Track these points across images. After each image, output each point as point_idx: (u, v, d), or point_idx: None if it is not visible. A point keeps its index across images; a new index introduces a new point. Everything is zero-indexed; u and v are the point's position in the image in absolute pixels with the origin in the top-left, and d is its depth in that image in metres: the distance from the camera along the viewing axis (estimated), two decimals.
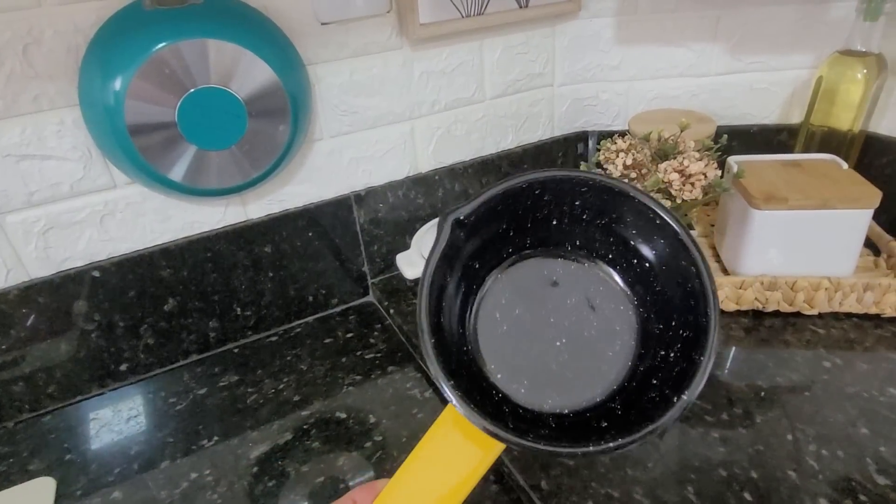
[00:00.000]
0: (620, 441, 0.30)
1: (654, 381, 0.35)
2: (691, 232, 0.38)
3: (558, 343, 0.39)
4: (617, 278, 0.41)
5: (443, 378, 0.32)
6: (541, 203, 0.41)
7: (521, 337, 0.40)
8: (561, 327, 0.40)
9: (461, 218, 0.38)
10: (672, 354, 0.34)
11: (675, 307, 0.36)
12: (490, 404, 0.35)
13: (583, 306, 0.41)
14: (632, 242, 0.40)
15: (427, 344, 0.33)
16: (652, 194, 0.38)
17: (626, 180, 0.64)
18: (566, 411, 0.35)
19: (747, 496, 0.45)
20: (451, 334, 0.38)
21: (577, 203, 0.41)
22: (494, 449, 0.33)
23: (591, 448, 0.30)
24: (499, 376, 0.38)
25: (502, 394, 0.36)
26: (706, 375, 0.31)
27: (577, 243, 0.42)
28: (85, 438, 0.61)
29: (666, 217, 0.37)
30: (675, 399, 0.31)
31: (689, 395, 0.31)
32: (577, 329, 0.40)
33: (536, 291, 0.42)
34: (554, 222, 0.42)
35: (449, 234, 0.38)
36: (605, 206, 0.40)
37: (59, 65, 0.54)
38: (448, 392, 0.32)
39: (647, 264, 0.39)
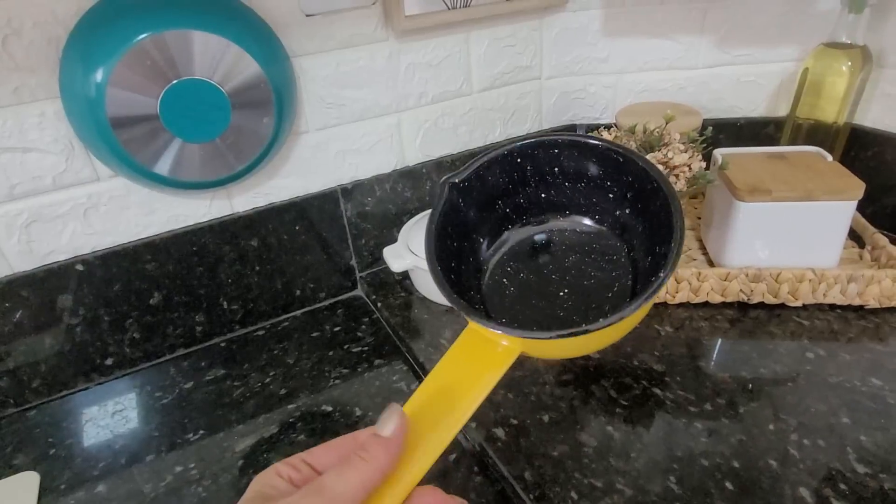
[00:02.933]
0: (618, 313, 0.33)
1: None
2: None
3: (562, 293, 0.44)
4: (606, 231, 0.47)
5: (451, 294, 0.38)
6: (524, 174, 0.47)
7: (528, 296, 0.45)
8: (563, 281, 0.45)
9: (457, 181, 0.44)
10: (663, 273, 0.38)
11: (655, 240, 0.41)
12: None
13: (580, 260, 0.46)
14: (610, 195, 0.45)
15: (435, 267, 0.39)
16: (619, 143, 0.42)
17: None
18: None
19: (729, 485, 0.46)
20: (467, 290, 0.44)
21: (555, 169, 0.47)
22: (505, 357, 0.36)
23: (592, 324, 0.33)
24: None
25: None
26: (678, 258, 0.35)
27: (566, 204, 0.48)
28: (70, 433, 0.60)
29: (630, 156, 0.42)
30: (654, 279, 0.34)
31: (665, 274, 0.34)
32: (578, 280, 0.45)
33: (538, 255, 0.47)
34: (542, 193, 0.48)
35: (447, 195, 0.43)
36: (579, 165, 0.46)
37: (39, 56, 0.54)
38: (462, 308, 0.36)
39: (628, 210, 0.44)
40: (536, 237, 0.48)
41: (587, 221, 0.48)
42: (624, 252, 0.45)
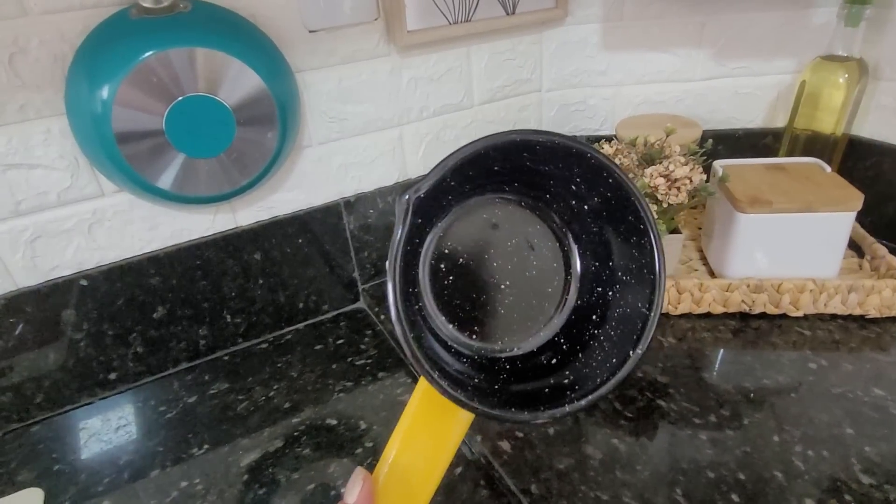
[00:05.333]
0: (571, 406, 0.32)
1: (595, 317, 0.38)
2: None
3: (503, 286, 0.40)
4: (554, 217, 0.42)
5: (413, 347, 0.32)
6: (493, 170, 0.40)
7: (467, 285, 0.40)
8: (504, 270, 0.41)
9: (421, 195, 0.37)
10: (611, 294, 0.37)
11: (612, 250, 0.38)
12: (448, 361, 0.37)
13: (523, 247, 0.41)
14: (573, 186, 0.40)
15: (407, 337, 0.33)
16: (594, 146, 0.39)
17: None
18: (516, 350, 0.38)
19: (735, 497, 0.46)
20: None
21: (526, 164, 0.40)
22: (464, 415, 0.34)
23: (544, 413, 0.32)
24: (451, 327, 0.39)
25: (455, 346, 0.38)
26: (653, 329, 0.33)
27: (515, 186, 0.42)
28: (74, 448, 0.60)
29: (601, 158, 0.37)
30: (630, 353, 0.33)
31: (641, 349, 0.33)
32: (520, 270, 0.41)
33: (478, 237, 0.42)
34: (504, 186, 0.42)
35: (412, 215, 0.37)
36: (546, 161, 0.40)
37: (45, 74, 0.54)
38: (422, 365, 0.32)
39: (586, 206, 0.40)
40: (483, 215, 0.42)
41: (528, 202, 0.42)
42: (557, 245, 0.41)
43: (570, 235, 0.41)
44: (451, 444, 0.34)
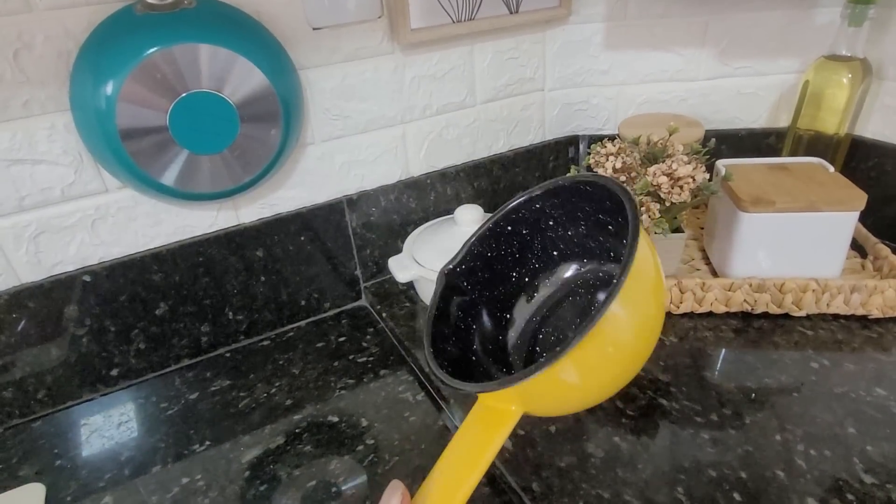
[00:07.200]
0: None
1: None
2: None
3: (574, 326, 0.46)
4: (608, 268, 0.47)
5: (439, 371, 0.38)
6: (521, 234, 0.48)
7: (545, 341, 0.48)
8: (574, 322, 0.47)
9: (452, 267, 0.46)
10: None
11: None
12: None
13: (589, 302, 0.47)
14: (610, 227, 0.45)
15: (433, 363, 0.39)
16: (585, 174, 0.44)
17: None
18: None
19: (736, 496, 0.46)
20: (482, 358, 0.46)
21: (549, 222, 0.48)
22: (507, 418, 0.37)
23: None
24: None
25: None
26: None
27: (583, 257, 0.49)
28: (75, 444, 0.60)
29: (597, 180, 0.42)
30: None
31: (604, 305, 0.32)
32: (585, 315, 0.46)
33: (559, 311, 0.49)
34: (552, 251, 0.49)
35: (444, 284, 0.45)
36: (568, 210, 0.46)
37: (50, 70, 0.54)
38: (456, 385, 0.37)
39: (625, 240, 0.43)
40: (551, 291, 0.49)
41: (603, 264, 0.48)
42: None
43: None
44: (485, 459, 0.36)
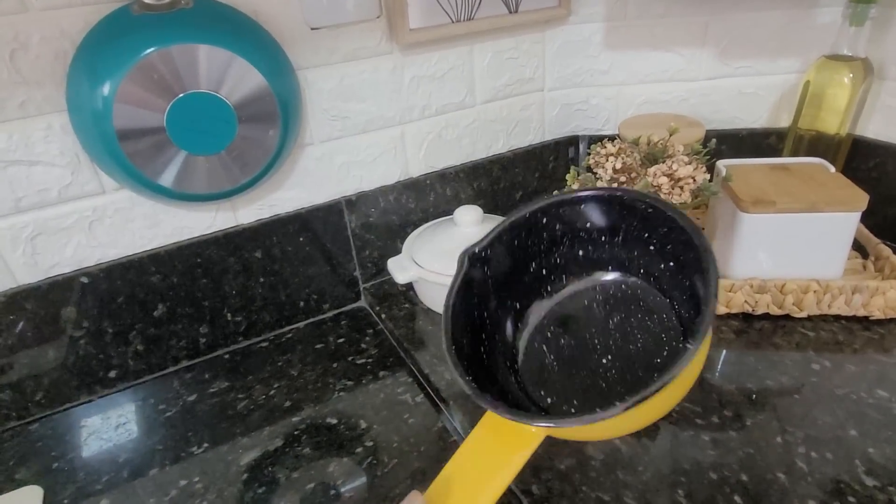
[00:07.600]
0: (637, 396, 0.29)
1: None
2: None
3: (605, 360, 0.41)
4: (648, 286, 0.44)
5: (467, 385, 0.35)
6: (553, 230, 0.44)
7: (568, 363, 0.42)
8: (606, 346, 0.42)
9: (477, 251, 0.42)
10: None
11: (695, 297, 0.37)
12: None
13: (625, 323, 0.43)
14: (651, 247, 0.42)
15: (454, 361, 0.36)
16: (644, 191, 0.39)
17: (616, 184, 0.64)
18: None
19: (737, 499, 0.45)
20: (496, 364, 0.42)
21: (587, 224, 0.44)
22: (532, 438, 0.34)
23: (616, 407, 0.30)
24: (549, 401, 0.40)
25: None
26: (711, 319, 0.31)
27: (608, 264, 0.45)
28: (73, 446, 0.60)
29: (657, 205, 0.39)
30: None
31: (694, 345, 0.30)
32: (623, 345, 0.41)
33: (578, 318, 0.45)
34: (579, 251, 0.46)
35: (467, 268, 0.41)
36: (611, 219, 0.43)
37: (46, 70, 0.54)
38: (484, 402, 0.34)
39: (672, 264, 0.40)
40: (584, 299, 0.45)
41: (633, 279, 0.45)
42: (669, 309, 0.41)
43: (674, 303, 0.42)
44: (508, 473, 0.34)
